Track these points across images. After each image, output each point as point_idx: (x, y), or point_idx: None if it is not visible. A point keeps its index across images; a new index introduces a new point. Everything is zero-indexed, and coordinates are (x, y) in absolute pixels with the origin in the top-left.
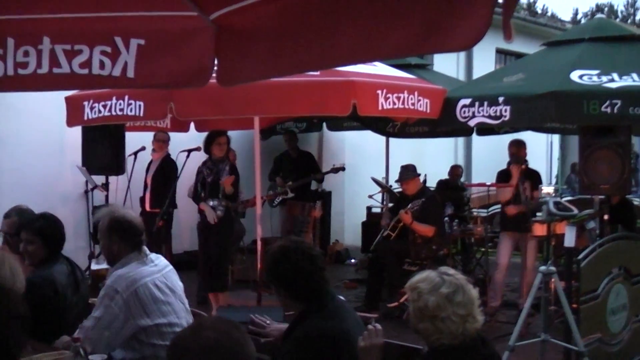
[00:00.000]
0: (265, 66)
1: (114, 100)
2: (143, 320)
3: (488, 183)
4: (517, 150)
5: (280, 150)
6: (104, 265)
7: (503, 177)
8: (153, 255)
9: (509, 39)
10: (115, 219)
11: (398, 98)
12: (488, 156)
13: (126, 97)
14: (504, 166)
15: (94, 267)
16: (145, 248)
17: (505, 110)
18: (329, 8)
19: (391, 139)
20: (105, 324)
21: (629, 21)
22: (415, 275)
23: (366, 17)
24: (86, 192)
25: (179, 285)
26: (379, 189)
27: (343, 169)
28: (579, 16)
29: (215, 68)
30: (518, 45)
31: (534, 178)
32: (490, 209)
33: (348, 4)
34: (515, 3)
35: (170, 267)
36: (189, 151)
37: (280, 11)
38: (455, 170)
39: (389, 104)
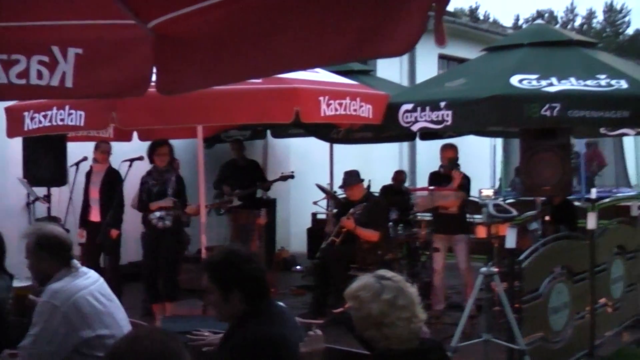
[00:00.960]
0: (205, 75)
1: (54, 110)
2: (84, 332)
3: (431, 187)
4: (442, 153)
5: (224, 158)
6: (27, 283)
7: (436, 179)
8: (84, 269)
9: (441, 44)
10: (43, 236)
11: (340, 104)
12: (433, 160)
13: (67, 107)
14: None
15: (15, 284)
16: (75, 262)
17: (447, 115)
18: (267, 16)
19: (336, 145)
20: (46, 340)
21: (569, 27)
22: (353, 283)
23: (304, 24)
24: (28, 204)
25: (115, 297)
26: (324, 195)
27: (292, 176)
28: (520, 22)
29: (155, 77)
30: (460, 51)
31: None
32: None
33: (286, 12)
34: (443, 9)
35: (102, 279)
36: (132, 161)
37: (218, 20)
38: (398, 176)
39: (332, 111)
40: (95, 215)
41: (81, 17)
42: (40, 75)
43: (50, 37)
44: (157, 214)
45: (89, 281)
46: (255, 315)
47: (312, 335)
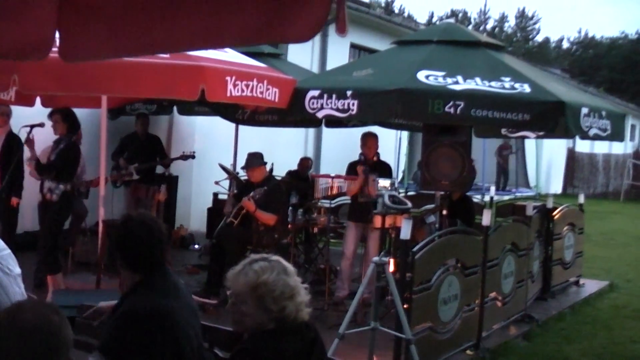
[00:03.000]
0: (108, 45)
1: None
2: None
3: (333, 175)
4: (364, 142)
5: (128, 131)
6: None
7: (354, 168)
8: None
9: (341, 32)
10: None
11: (247, 86)
12: (338, 148)
13: None
14: (353, 158)
15: None
16: None
17: (353, 104)
18: None
19: (242, 127)
20: None
21: (481, 28)
22: (235, 267)
23: (210, 3)
24: None
25: (15, 270)
26: (226, 175)
27: (193, 156)
28: (434, 19)
29: (58, 42)
30: (372, 42)
31: (383, 170)
32: (334, 200)
33: None
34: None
35: (8, 250)
36: (32, 127)
37: None
38: (304, 163)
39: (238, 91)
40: None
41: None
42: None
43: None
44: (47, 184)
45: None
46: (146, 285)
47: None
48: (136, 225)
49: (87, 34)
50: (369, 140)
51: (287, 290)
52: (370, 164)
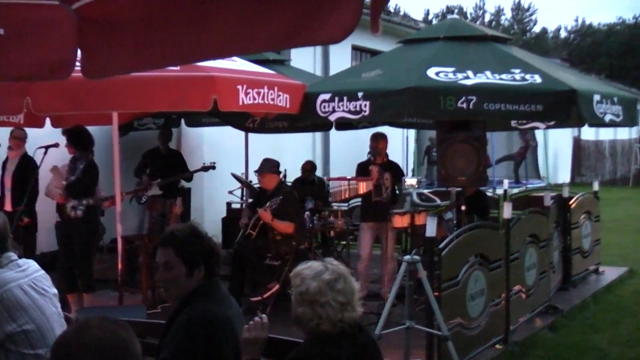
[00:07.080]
0: (132, 59)
1: None
2: (9, 326)
3: (348, 177)
4: (377, 143)
5: (139, 147)
6: None
7: (363, 169)
8: (21, 261)
9: (376, 32)
10: None
11: (258, 93)
12: (346, 150)
13: None
14: (362, 159)
15: None
16: (11, 254)
17: (365, 105)
18: (198, 1)
19: (249, 135)
20: None
21: (478, 23)
22: (300, 264)
23: (236, 10)
24: None
25: (51, 290)
26: (239, 184)
27: (213, 167)
28: (430, 17)
29: (79, 60)
30: (373, 43)
31: (394, 170)
32: (350, 202)
33: None
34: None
35: (42, 272)
36: (47, 147)
37: (146, 2)
38: (305, 167)
39: (250, 99)
40: (8, 205)
41: None
42: None
43: None
44: (70, 202)
45: (22, 274)
46: (203, 294)
47: (257, 322)
48: (201, 230)
49: (110, 50)
50: (381, 141)
51: (349, 296)
52: (380, 164)
